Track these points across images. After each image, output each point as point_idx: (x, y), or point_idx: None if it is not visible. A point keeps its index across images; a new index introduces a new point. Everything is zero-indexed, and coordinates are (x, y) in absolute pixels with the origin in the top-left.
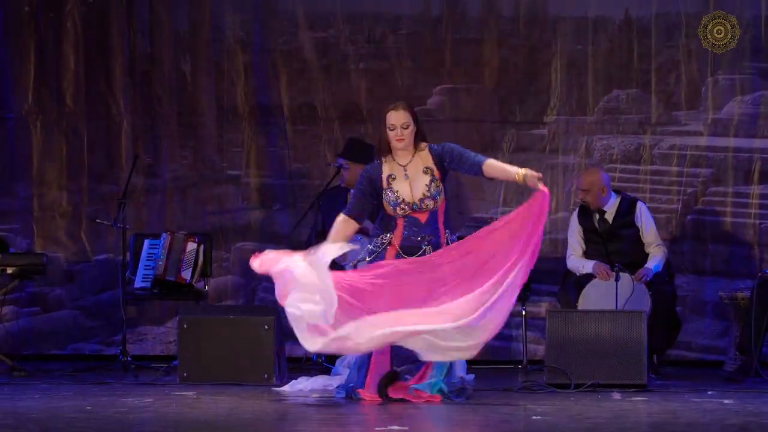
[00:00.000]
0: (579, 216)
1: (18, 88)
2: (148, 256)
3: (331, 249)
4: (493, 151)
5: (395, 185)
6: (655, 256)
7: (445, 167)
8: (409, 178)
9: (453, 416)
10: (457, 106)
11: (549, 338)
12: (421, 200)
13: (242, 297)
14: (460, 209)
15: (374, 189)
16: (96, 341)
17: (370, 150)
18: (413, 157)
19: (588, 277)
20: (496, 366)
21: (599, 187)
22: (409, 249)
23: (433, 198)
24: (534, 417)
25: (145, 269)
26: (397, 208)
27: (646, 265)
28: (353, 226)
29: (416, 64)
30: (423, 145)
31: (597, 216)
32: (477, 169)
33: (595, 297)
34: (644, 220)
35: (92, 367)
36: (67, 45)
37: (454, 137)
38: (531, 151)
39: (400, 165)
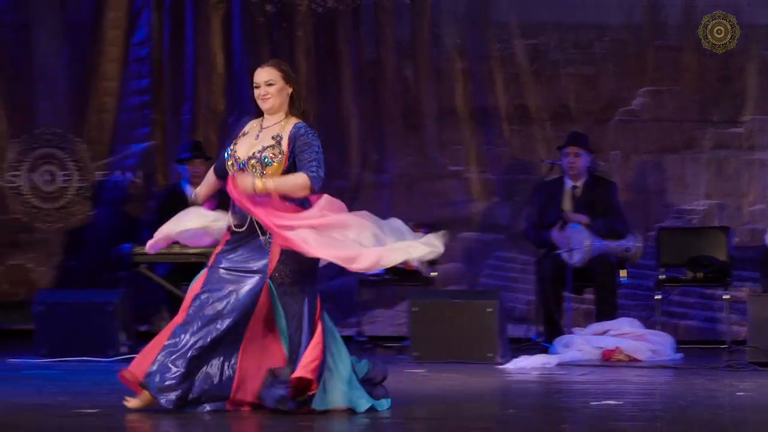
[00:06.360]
0: None
1: None
2: None
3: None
4: (693, 149)
5: (241, 140)
6: None
7: (294, 151)
8: (259, 138)
9: (673, 387)
10: (659, 107)
11: (751, 320)
12: (249, 158)
13: (466, 282)
14: (665, 202)
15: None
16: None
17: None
18: (279, 123)
19: None
20: (702, 346)
21: None
22: (238, 219)
23: (261, 162)
24: (738, 393)
25: None
26: (227, 162)
27: None
28: (214, 180)
29: (620, 68)
30: (294, 119)
31: None
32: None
33: None
34: None
35: None
36: (299, 52)
37: (658, 136)
38: (729, 148)
39: (262, 127)
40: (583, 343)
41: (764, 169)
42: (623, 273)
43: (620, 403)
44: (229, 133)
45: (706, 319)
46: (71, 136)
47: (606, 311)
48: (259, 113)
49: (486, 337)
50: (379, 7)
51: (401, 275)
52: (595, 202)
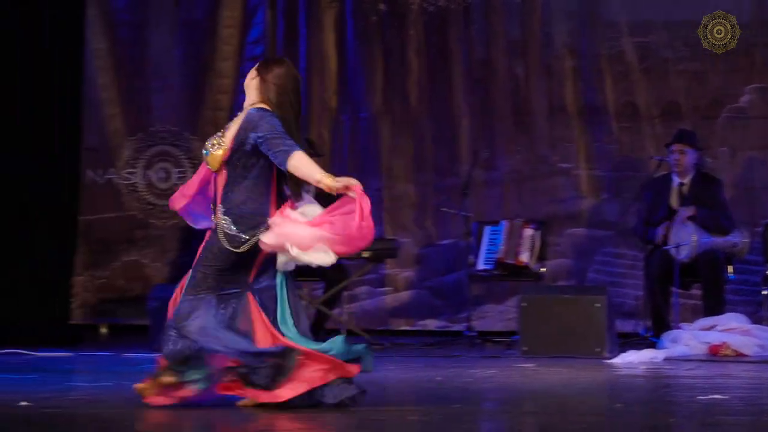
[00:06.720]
0: None
1: (368, 90)
2: (489, 241)
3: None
4: None
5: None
6: None
7: (250, 140)
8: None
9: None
10: (767, 104)
11: None
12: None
13: (575, 278)
14: None
15: None
16: (443, 318)
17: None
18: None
19: None
20: None
21: None
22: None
23: (205, 151)
24: None
25: (487, 253)
26: None
27: None
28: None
29: (728, 66)
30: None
31: None
32: (282, 163)
33: None
34: None
35: (440, 341)
36: (411, 51)
37: (765, 133)
38: None
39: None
40: (690, 338)
41: None
42: (730, 269)
43: (727, 397)
44: (342, 131)
45: None
46: (186, 134)
47: (713, 307)
48: None
49: (594, 332)
50: (489, 7)
51: (511, 271)
52: (701, 199)
